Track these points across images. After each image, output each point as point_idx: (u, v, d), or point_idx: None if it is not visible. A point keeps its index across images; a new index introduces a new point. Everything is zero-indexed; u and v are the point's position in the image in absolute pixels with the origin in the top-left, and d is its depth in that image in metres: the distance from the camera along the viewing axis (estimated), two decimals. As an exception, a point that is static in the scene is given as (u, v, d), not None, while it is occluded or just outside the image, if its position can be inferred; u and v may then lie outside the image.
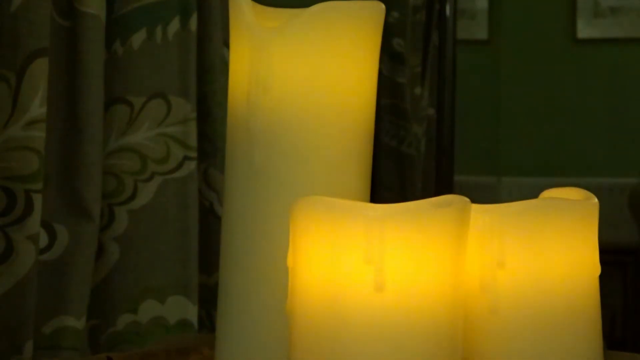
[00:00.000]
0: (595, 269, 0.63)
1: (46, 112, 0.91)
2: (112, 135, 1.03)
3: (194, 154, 1.07)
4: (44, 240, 0.97)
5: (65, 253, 0.98)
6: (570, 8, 3.17)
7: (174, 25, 1.05)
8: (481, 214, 0.61)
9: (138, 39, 1.04)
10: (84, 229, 0.98)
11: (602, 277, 0.65)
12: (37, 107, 0.90)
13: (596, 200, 0.64)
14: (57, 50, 0.97)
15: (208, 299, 1.12)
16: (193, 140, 1.06)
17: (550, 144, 3.19)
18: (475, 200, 0.59)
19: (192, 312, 1.06)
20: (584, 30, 3.16)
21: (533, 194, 0.68)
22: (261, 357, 0.64)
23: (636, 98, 3.14)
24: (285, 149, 0.63)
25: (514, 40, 3.20)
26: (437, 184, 2.20)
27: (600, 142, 3.16)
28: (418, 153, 2.15)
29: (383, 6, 0.65)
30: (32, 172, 0.90)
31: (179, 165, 1.06)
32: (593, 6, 3.15)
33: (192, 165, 1.07)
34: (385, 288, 0.53)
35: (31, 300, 0.91)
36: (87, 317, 1.00)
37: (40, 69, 0.89)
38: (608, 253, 1.17)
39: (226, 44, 1.10)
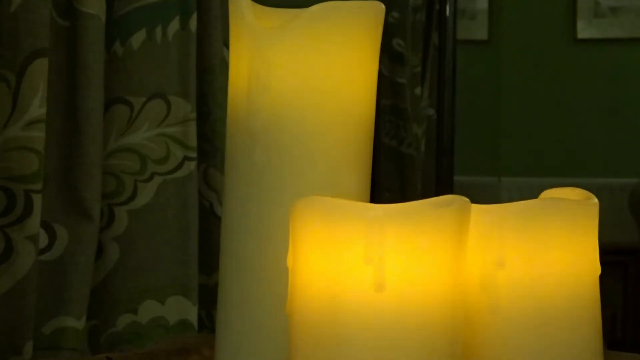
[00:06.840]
0: (595, 269, 0.63)
1: (46, 112, 0.91)
2: (112, 136, 1.03)
3: (193, 154, 1.07)
4: (43, 240, 0.97)
5: (65, 253, 0.98)
6: (570, 8, 3.17)
7: (174, 25, 1.05)
8: (481, 214, 0.61)
9: (138, 39, 1.04)
10: (84, 229, 0.98)
11: (602, 277, 0.65)
12: (36, 107, 0.90)
13: (596, 200, 0.64)
14: (57, 50, 0.97)
15: (208, 299, 1.11)
16: (193, 140, 1.06)
17: (550, 144, 3.19)
18: (475, 200, 0.59)
19: (192, 312, 1.06)
20: (584, 30, 3.16)
21: (533, 194, 0.68)
22: (261, 358, 0.64)
23: (636, 98, 3.14)
24: (285, 149, 0.63)
25: (514, 40, 3.20)
26: (437, 184, 2.20)
27: (601, 142, 3.16)
28: (418, 153, 2.15)
29: (383, 6, 0.65)
30: (32, 172, 0.90)
31: (179, 166, 1.06)
32: (593, 6, 3.15)
33: (192, 165, 1.06)
34: (385, 288, 0.53)
35: (31, 300, 0.91)
36: (87, 318, 1.00)
37: (40, 69, 0.89)
38: (608, 253, 1.17)
39: (226, 44, 1.10)
